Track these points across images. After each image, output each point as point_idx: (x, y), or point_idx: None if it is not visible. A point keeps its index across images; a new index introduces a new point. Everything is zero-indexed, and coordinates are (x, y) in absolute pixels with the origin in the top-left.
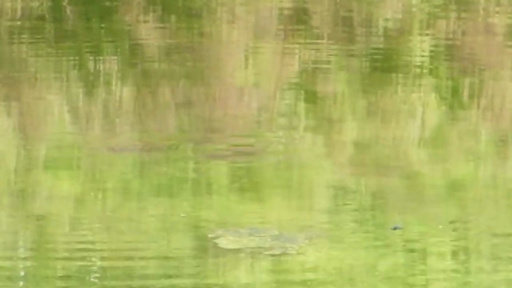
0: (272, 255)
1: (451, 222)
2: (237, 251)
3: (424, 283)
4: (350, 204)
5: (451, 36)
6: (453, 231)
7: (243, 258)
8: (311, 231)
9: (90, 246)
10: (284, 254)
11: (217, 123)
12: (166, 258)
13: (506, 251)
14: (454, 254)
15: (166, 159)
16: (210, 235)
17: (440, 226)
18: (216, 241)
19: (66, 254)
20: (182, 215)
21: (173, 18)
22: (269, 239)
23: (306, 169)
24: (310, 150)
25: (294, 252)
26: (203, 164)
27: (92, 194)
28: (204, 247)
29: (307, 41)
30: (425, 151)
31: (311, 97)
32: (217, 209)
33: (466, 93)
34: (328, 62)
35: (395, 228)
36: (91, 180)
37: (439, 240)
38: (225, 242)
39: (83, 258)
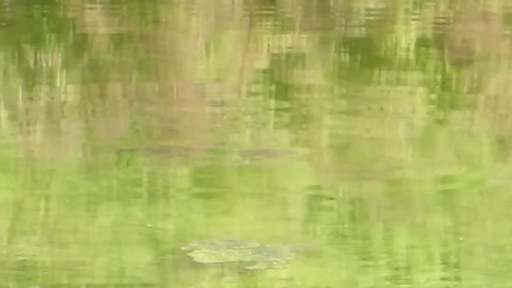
0: (256, 270)
1: (441, 233)
2: (215, 265)
3: None
4: (327, 213)
5: (441, 23)
6: (443, 243)
7: (223, 274)
8: (296, 243)
9: (30, 261)
10: (269, 268)
11: (175, 122)
12: (121, 274)
13: (502, 266)
14: (444, 269)
15: (117, 162)
16: (183, 248)
17: (429, 238)
18: (191, 254)
19: (2, 271)
20: (149, 225)
21: (123, 3)
22: (250, 253)
23: (276, 174)
24: (281, 152)
25: (280, 267)
26: (160, 168)
27: (32, 201)
28: (175, 261)
29: (277, 29)
30: (412, 153)
31: (282, 93)
32: (176, 219)
33: (459, 87)
34: (302, 53)
35: None
36: (32, 186)
37: (428, 253)
38: (201, 256)
39: (21, 275)
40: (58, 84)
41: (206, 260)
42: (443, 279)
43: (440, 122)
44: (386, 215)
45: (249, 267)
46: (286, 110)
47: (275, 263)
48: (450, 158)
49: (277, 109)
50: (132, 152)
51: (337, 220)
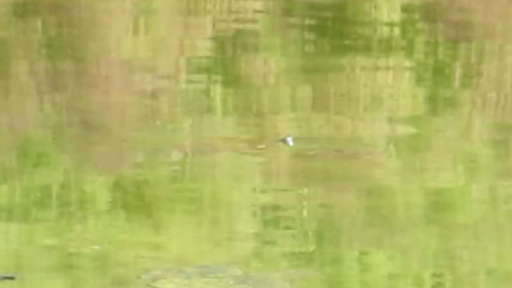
0: None
1: (432, 256)
2: None
3: None
4: (288, 231)
5: None
6: (434, 267)
7: None
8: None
9: None
10: None
11: (95, 115)
12: None
13: None
14: None
15: (20, 165)
16: (143, 276)
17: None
18: (156, 284)
19: None
20: (95, 247)
21: None
22: (232, 282)
23: (223, 182)
24: (228, 154)
25: None
26: (75, 173)
27: None
28: None
29: None
30: (395, 157)
31: (231, 78)
32: (97, 237)
33: (455, 73)
34: (255, 28)
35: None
36: None
37: (415, 280)
38: (171, 286)
39: None
40: None
41: None
42: None
43: (432, 117)
44: (362, 235)
45: None
46: (235, 101)
47: None
48: (443, 163)
49: (223, 100)
50: (39, 151)
51: (297, 240)
